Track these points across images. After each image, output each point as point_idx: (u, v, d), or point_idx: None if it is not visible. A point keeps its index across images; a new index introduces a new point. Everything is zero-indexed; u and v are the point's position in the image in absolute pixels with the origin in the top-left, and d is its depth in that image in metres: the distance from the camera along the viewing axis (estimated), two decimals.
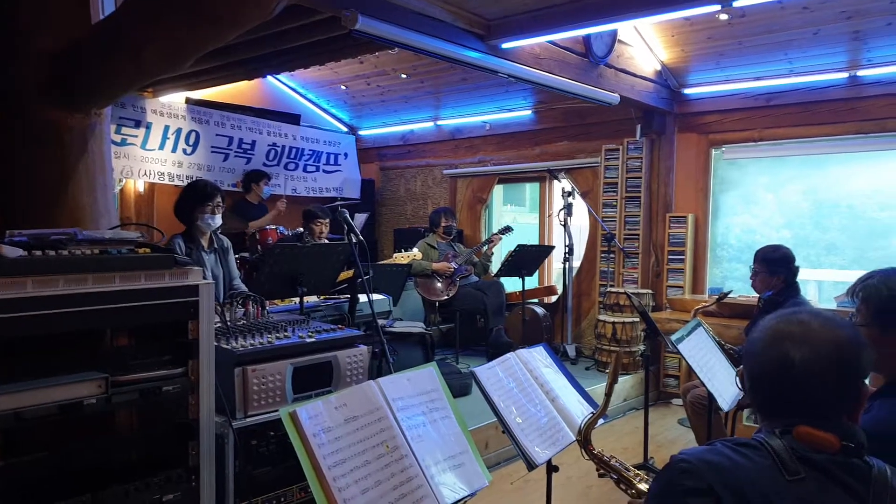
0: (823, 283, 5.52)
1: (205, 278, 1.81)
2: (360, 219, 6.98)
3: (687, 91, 5.86)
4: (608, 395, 2.02)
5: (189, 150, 6.23)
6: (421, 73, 6.51)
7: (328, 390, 2.16)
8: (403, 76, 6.65)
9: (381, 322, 3.92)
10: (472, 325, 6.13)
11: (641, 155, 6.02)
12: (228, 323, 2.31)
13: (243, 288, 3.53)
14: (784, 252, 3.74)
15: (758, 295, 3.93)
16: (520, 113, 6.95)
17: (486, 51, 4.30)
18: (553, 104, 6.53)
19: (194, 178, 5.26)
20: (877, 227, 5.22)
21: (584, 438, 1.84)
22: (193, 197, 3.52)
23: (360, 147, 8.12)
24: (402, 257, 4.69)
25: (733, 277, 5.85)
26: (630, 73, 5.40)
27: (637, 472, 1.74)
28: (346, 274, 3.79)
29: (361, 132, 8.28)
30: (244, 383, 1.98)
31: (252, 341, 2.13)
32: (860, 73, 4.99)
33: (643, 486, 1.68)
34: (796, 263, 3.72)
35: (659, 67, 5.66)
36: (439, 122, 7.67)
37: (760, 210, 5.79)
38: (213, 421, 1.78)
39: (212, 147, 6.38)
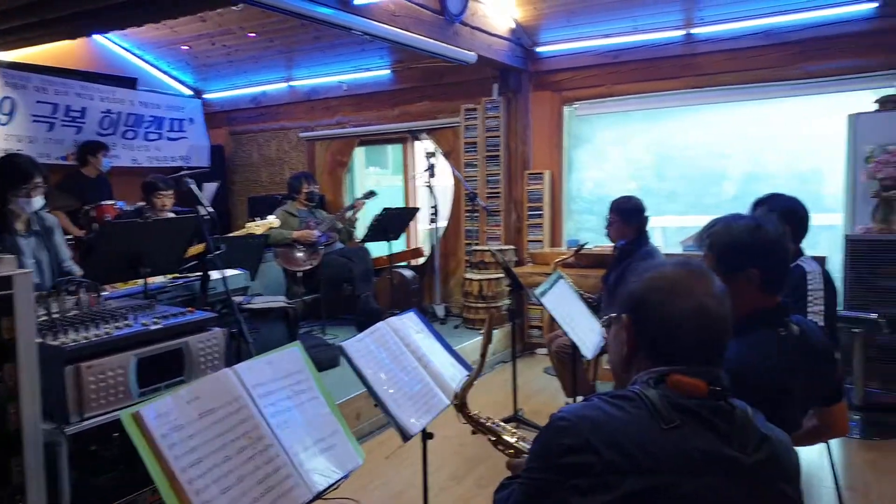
0: (667, 230, 5.91)
1: (20, 267, 1.56)
2: (209, 188, 6.54)
3: (540, 49, 5.95)
4: (483, 356, 2.00)
5: (4, 119, 5.49)
6: (270, 31, 6.12)
7: (180, 380, 1.96)
8: (251, 35, 6.23)
9: (238, 299, 3.68)
10: (339, 293, 5.98)
11: (499, 114, 6.08)
12: (56, 315, 2.03)
13: (76, 271, 3.15)
14: (636, 202, 3.92)
15: (613, 244, 4.11)
16: (378, 73, 6.77)
17: (338, 6, 4.08)
18: (411, 63, 6.41)
19: (13, 151, 4.63)
20: (710, 175, 5.65)
21: (460, 402, 1.82)
22: (4, 177, 3.03)
23: (208, 111, 7.57)
24: (256, 226, 4.41)
25: (586, 229, 6.12)
26: (485, 31, 5.38)
27: (513, 430, 1.73)
28: (195, 249, 3.51)
29: (208, 95, 7.72)
30: (78, 383, 1.75)
31: (85, 334, 1.89)
32: (694, 31, 5.30)
33: (521, 445, 1.68)
34: (646, 213, 3.92)
35: (513, 26, 5.69)
36: (293, 83, 7.31)
37: (609, 164, 6.08)
38: (39, 430, 1.55)
39: (33, 115, 5.67)
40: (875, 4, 4.69)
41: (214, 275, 3.36)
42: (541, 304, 3.48)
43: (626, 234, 3.90)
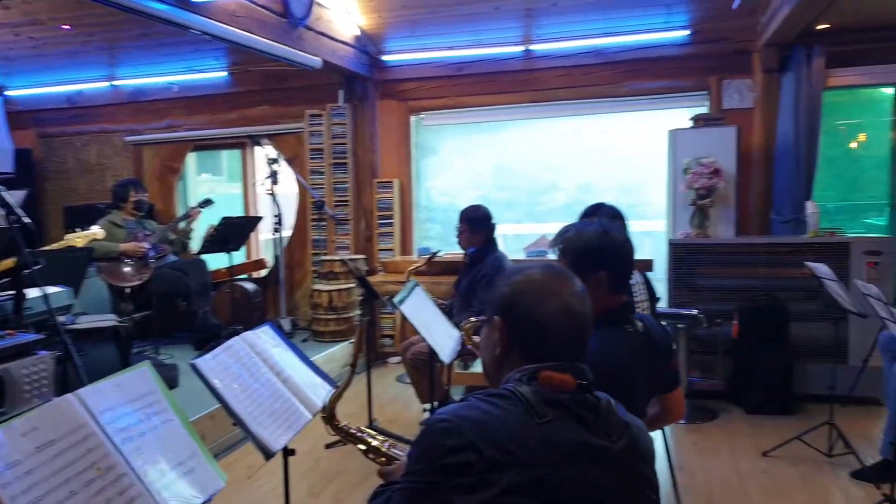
0: (507, 237, 6.16)
1: None
2: (16, 196, 5.76)
3: (386, 58, 5.95)
4: (353, 365, 1.94)
5: None
6: (89, 24, 5.54)
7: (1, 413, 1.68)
8: (65, 27, 5.60)
9: (60, 319, 3.25)
10: (173, 309, 5.51)
11: (346, 121, 5.98)
12: None
13: None
14: (483, 211, 4.04)
15: (463, 251, 4.19)
16: (213, 74, 6.39)
17: (175, 4, 3.79)
18: (250, 66, 6.13)
19: None
20: (541, 186, 6.00)
21: (329, 415, 1.80)
22: None
23: (10, 110, 6.71)
24: (77, 239, 3.93)
25: (433, 237, 6.22)
26: (330, 37, 5.28)
27: (382, 438, 1.70)
28: (4, 264, 3.05)
29: (11, 92, 6.84)
30: None
31: None
32: (532, 47, 5.59)
33: (393, 452, 1.65)
34: (493, 221, 4.04)
35: (358, 33, 5.64)
36: (116, 83, 6.69)
37: (452, 174, 6.24)
38: None
39: None
40: (687, 32, 5.25)
41: (32, 292, 2.94)
42: (401, 312, 3.44)
43: (476, 241, 4.00)
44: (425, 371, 3.86)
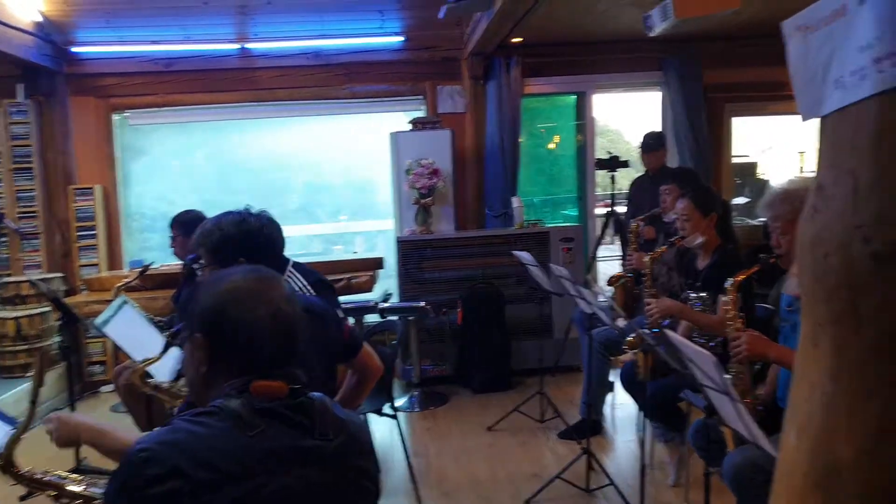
0: None
1: None
2: None
3: (77, 49, 5.24)
4: (34, 402, 1.67)
5: None
6: None
7: None
8: None
9: None
10: None
11: (29, 119, 5.14)
12: None
13: None
14: (196, 214, 3.75)
15: (181, 261, 3.85)
16: None
17: None
18: None
19: None
20: (275, 186, 5.82)
21: (5, 462, 1.58)
22: None
23: None
24: None
25: (152, 248, 5.64)
26: (3, 22, 4.48)
27: (79, 478, 1.58)
28: None
29: None
30: None
31: None
32: (249, 45, 5.36)
33: (91, 492, 1.50)
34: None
35: (39, 19, 4.88)
36: None
37: (170, 177, 5.74)
38: None
39: None
40: (401, 38, 5.47)
41: None
42: (104, 335, 3.05)
43: (190, 248, 3.70)
44: (142, 396, 3.47)
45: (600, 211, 5.87)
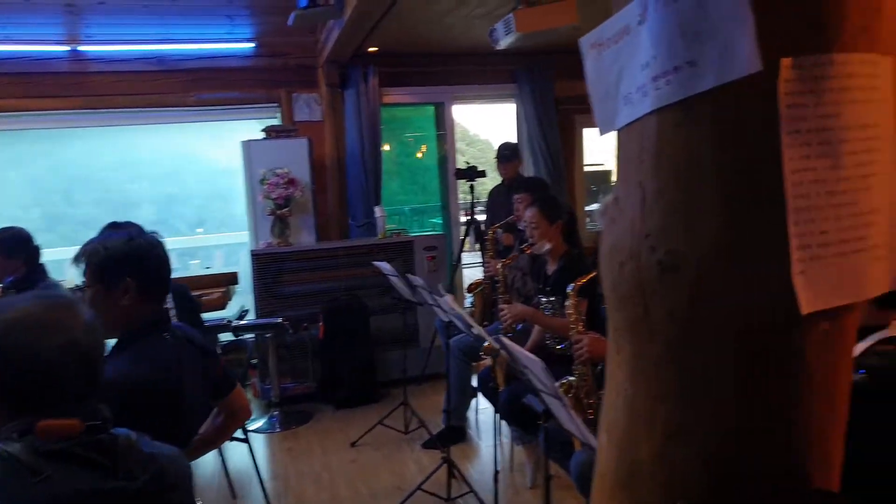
0: None
1: None
2: None
3: None
4: None
5: None
6: None
7: None
8: None
9: None
10: None
11: None
12: None
13: None
14: (16, 232, 3.39)
15: None
16: None
17: None
18: None
19: None
20: (129, 198, 5.42)
21: None
22: None
23: None
24: None
25: None
26: None
27: None
28: None
29: None
30: None
31: None
32: (81, 48, 4.94)
33: None
34: (36, 242, 3.43)
35: None
36: None
37: (9, 189, 5.19)
38: None
39: None
40: (252, 45, 5.27)
41: None
42: None
43: (14, 269, 3.34)
44: None
45: (465, 219, 5.98)
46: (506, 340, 1.86)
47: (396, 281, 3.91)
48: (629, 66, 0.99)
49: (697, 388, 0.98)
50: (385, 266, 3.94)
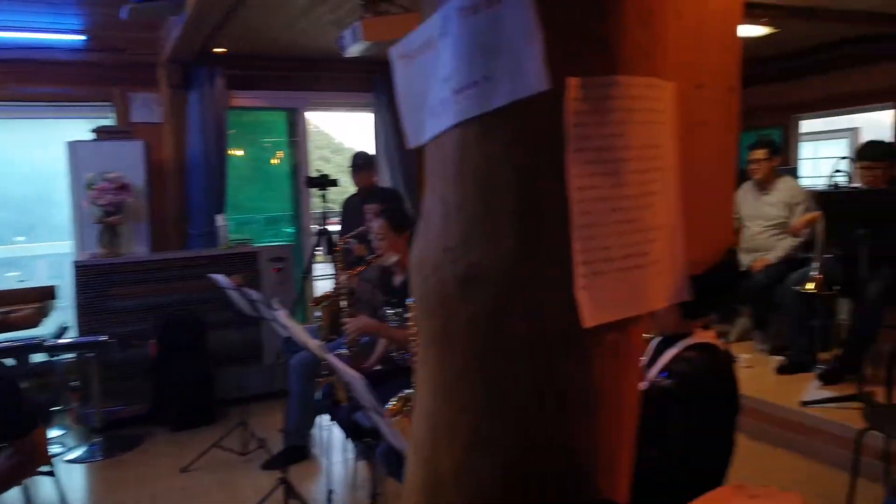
0: None
1: None
2: None
3: None
4: None
5: None
6: None
7: None
8: None
9: None
10: None
11: None
12: None
13: None
14: None
15: None
16: None
17: None
18: None
19: None
20: None
21: None
22: None
23: None
24: None
25: None
26: None
27: None
28: None
29: None
30: None
31: None
32: None
33: None
34: None
35: None
36: None
37: None
38: None
39: None
40: (83, 37, 4.83)
41: None
42: None
43: None
44: None
45: (317, 229, 5.84)
46: (330, 356, 1.80)
47: (234, 294, 3.72)
48: (434, 79, 0.99)
49: (498, 399, 0.98)
50: (221, 279, 3.74)
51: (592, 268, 0.89)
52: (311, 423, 3.93)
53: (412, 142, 1.10)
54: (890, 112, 5.83)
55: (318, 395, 3.76)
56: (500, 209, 0.97)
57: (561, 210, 0.94)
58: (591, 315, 0.90)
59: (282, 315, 2.64)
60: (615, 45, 0.91)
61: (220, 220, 4.99)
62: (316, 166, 5.94)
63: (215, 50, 5.02)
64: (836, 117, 7.05)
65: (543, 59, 0.85)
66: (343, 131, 15.23)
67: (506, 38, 0.86)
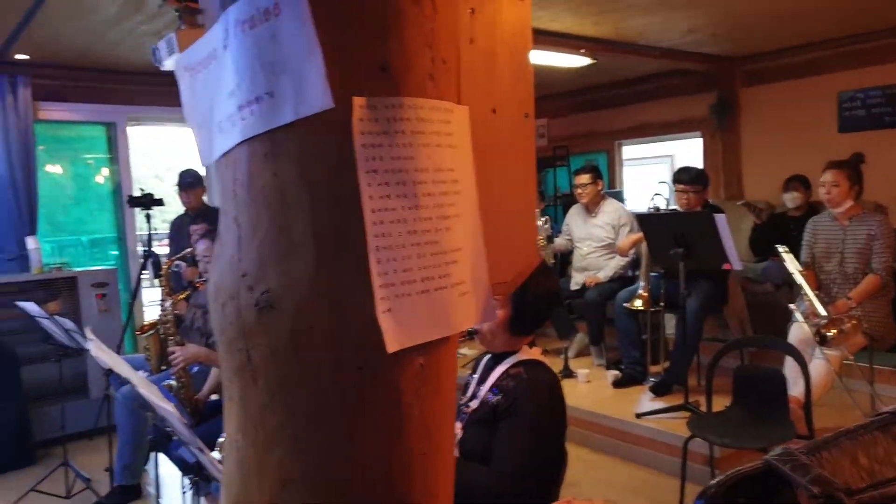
0: None
1: None
2: None
3: None
4: None
5: None
6: None
7: None
8: None
9: None
10: None
11: None
12: None
13: None
14: None
15: None
16: None
17: None
18: None
19: None
20: None
21: None
22: None
23: None
24: None
25: None
26: None
27: None
28: None
29: None
30: None
31: None
32: None
33: None
34: None
35: None
36: None
37: None
38: None
39: None
40: None
41: None
42: None
43: None
44: None
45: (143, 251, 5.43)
46: (143, 390, 1.65)
47: (48, 324, 3.36)
48: (219, 94, 0.93)
49: (304, 433, 0.93)
50: (31, 307, 3.37)
51: (393, 290, 0.87)
52: (143, 460, 3.63)
53: (203, 160, 1.03)
54: (699, 140, 6.53)
55: (149, 429, 3.49)
56: (295, 231, 0.92)
57: (360, 231, 0.91)
58: (394, 339, 0.88)
59: (94, 346, 2.40)
60: (399, 66, 0.90)
61: (31, 242, 4.50)
62: (150, 185, 5.54)
63: (17, 56, 4.53)
64: (655, 144, 7.71)
65: (325, 76, 0.82)
66: (178, 149, 14.30)
67: (286, 54, 0.83)
